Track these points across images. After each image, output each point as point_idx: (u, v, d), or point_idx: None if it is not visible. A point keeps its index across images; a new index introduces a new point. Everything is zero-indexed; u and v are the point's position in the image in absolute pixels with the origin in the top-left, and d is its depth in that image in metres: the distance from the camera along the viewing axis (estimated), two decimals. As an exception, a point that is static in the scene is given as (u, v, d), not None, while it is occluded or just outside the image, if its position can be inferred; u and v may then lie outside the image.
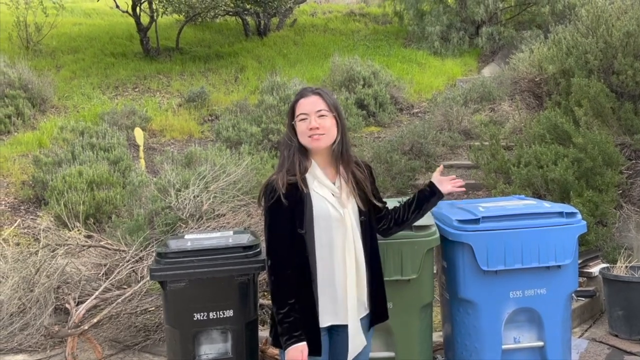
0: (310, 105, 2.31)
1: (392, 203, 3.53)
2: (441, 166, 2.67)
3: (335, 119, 2.33)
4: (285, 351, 2.22)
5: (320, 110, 2.30)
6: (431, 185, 2.56)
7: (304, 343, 2.21)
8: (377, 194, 2.47)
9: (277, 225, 2.28)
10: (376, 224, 2.48)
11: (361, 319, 2.35)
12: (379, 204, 2.46)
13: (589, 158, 5.27)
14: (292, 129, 2.34)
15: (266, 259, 2.32)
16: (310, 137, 2.28)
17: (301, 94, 2.36)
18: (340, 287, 2.29)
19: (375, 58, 11.05)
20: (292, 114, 2.35)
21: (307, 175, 2.32)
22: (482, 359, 3.10)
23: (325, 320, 2.31)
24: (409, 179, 6.85)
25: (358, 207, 2.34)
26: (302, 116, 2.30)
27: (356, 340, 2.31)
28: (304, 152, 2.33)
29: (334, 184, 2.34)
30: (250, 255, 3.05)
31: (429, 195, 2.55)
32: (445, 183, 2.56)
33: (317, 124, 2.27)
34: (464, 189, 2.53)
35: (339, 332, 2.34)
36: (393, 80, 9.80)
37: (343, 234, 2.28)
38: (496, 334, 3.07)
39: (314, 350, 2.25)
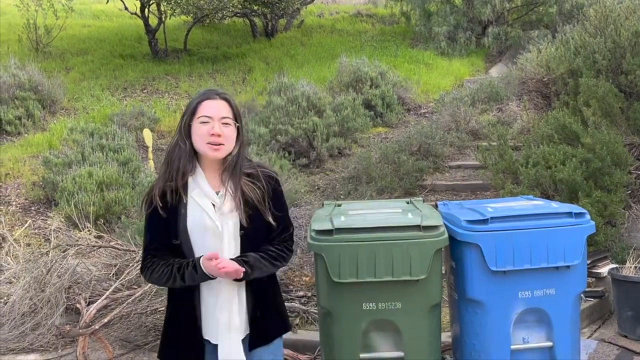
0: (216, 109, 2.15)
1: (400, 204, 3.55)
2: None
3: (237, 129, 2.19)
4: (201, 262, 2.09)
5: (225, 118, 2.15)
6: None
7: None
8: (276, 211, 2.24)
9: (153, 236, 2.20)
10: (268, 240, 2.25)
11: (242, 340, 2.19)
12: (273, 223, 2.22)
13: (598, 158, 5.26)
14: (188, 130, 2.17)
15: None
16: (209, 143, 2.13)
17: (207, 95, 2.19)
18: (214, 303, 2.16)
19: (382, 59, 11.05)
20: (192, 113, 2.16)
21: (190, 181, 2.17)
22: (490, 359, 3.10)
23: (208, 333, 2.19)
24: (416, 179, 6.86)
25: (240, 220, 2.16)
26: (205, 119, 2.14)
27: None
28: (192, 156, 2.17)
29: (218, 193, 2.17)
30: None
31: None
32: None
33: (219, 131, 2.12)
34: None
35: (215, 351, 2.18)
36: (400, 80, 9.81)
37: (219, 247, 2.13)
38: (505, 334, 3.07)
39: None
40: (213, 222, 2.14)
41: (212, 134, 2.12)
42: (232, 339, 2.15)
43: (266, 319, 2.26)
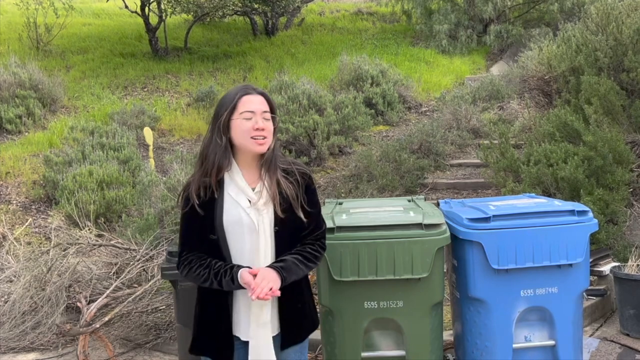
0: (258, 104, 2.16)
1: (402, 202, 3.54)
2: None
3: (275, 124, 2.21)
4: (239, 277, 2.08)
5: (265, 112, 2.17)
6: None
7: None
8: (309, 208, 2.22)
9: (190, 233, 2.19)
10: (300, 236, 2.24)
11: (273, 337, 2.18)
12: (304, 219, 2.20)
13: (599, 156, 5.24)
14: (227, 126, 2.16)
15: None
16: (253, 138, 2.13)
17: (245, 91, 2.18)
18: (247, 301, 2.13)
19: (383, 57, 11.04)
20: (232, 109, 2.15)
21: (225, 176, 2.17)
22: (492, 358, 3.09)
23: (238, 330, 2.19)
24: (417, 177, 6.85)
25: (275, 216, 2.16)
26: (248, 114, 2.14)
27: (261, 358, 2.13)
28: (228, 152, 2.17)
29: (253, 189, 2.17)
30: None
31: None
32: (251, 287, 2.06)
33: (263, 125, 2.14)
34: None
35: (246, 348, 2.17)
36: (401, 79, 9.79)
37: (256, 243, 2.14)
38: (507, 332, 3.06)
39: None
40: (249, 218, 2.14)
41: (257, 129, 2.13)
42: (261, 336, 2.15)
43: (298, 319, 2.26)
